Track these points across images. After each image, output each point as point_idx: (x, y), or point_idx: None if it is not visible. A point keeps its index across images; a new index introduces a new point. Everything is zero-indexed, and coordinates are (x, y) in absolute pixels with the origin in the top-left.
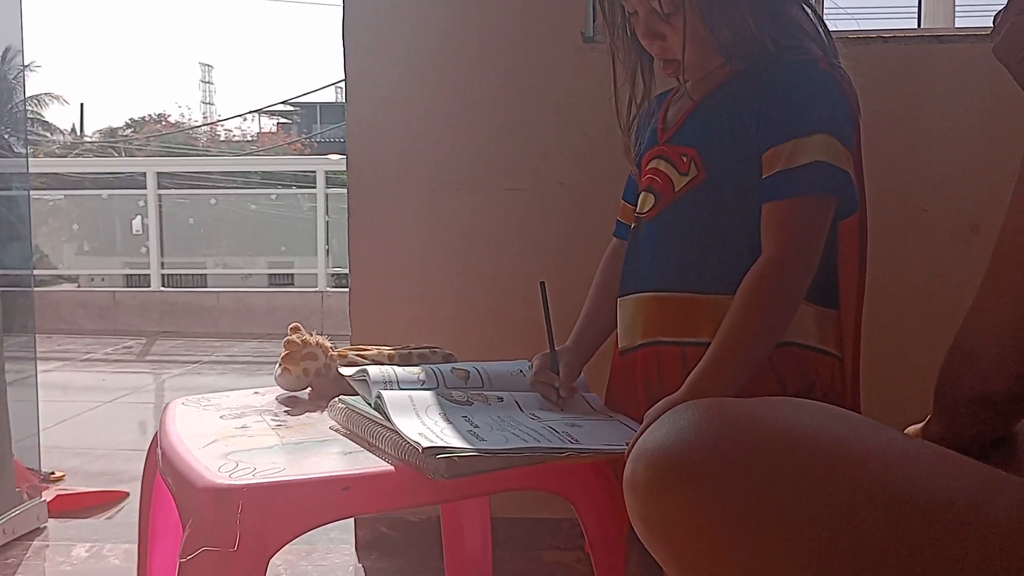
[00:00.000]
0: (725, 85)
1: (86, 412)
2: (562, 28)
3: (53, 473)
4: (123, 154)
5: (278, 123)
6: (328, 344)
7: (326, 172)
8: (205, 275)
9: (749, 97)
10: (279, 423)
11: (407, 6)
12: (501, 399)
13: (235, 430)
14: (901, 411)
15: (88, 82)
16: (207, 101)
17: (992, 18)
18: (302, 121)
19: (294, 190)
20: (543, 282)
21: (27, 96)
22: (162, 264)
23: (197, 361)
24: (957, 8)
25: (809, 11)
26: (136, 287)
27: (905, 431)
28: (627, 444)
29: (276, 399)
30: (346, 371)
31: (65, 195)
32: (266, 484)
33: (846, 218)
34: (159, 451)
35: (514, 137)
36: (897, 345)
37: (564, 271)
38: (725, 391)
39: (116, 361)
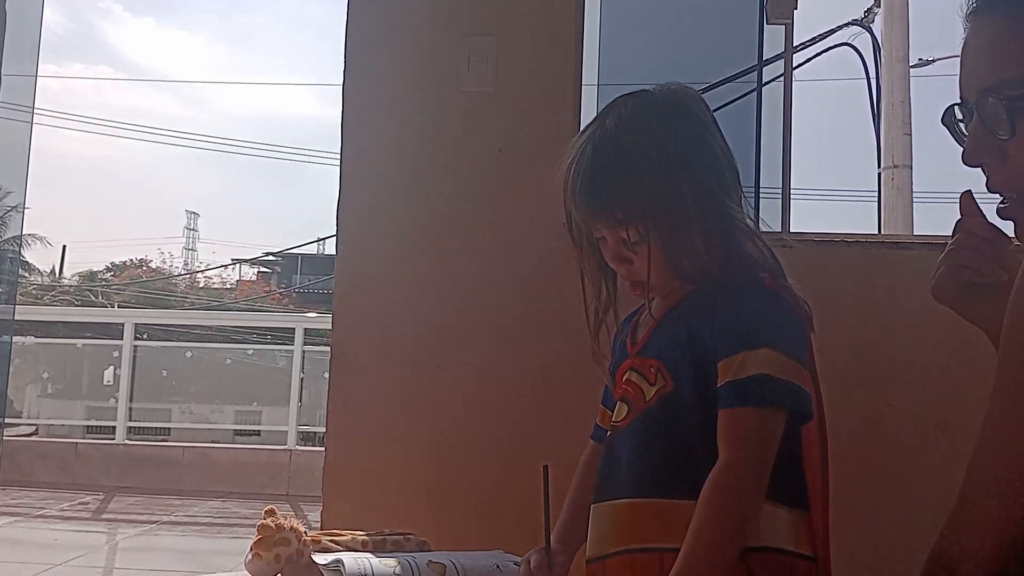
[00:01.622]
0: (682, 303)
1: None
2: (543, 215)
3: None
4: (100, 297)
5: (258, 272)
6: (302, 529)
7: (304, 328)
8: (169, 428)
9: (703, 314)
10: None
11: (402, 179)
12: None
13: None
14: None
15: (72, 224)
16: (190, 248)
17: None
18: (282, 271)
19: (270, 344)
20: (546, 466)
21: (13, 236)
22: (130, 414)
23: (155, 521)
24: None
25: (759, 241)
26: (100, 437)
27: None
28: None
29: None
30: (320, 559)
31: (36, 341)
32: None
33: (805, 423)
34: None
35: (497, 318)
36: (868, 545)
37: (543, 456)
38: None
39: (71, 519)
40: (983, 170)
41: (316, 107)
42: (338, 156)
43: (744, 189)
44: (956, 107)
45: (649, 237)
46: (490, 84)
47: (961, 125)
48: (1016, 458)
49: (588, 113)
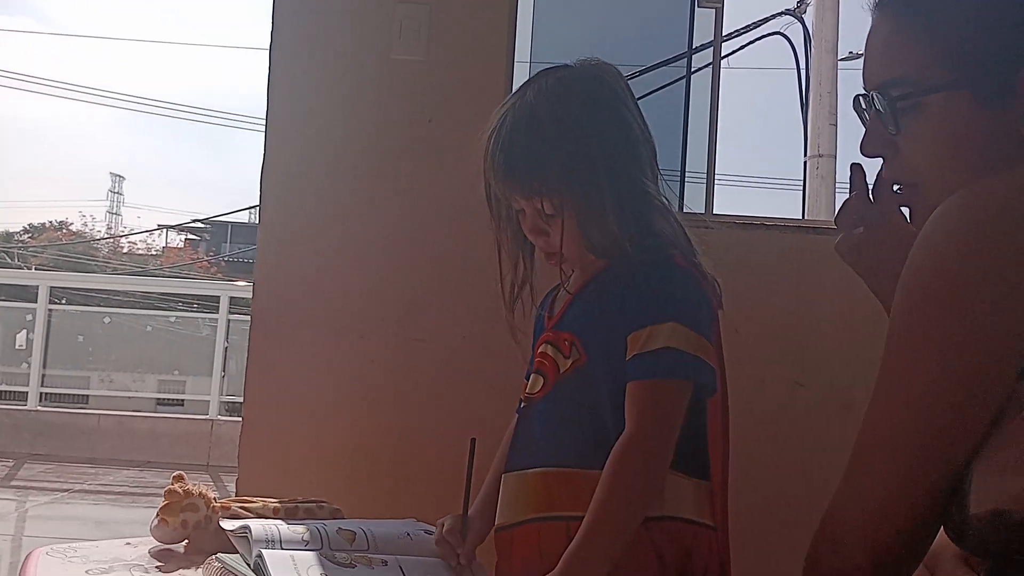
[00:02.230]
0: (596, 278)
1: None
2: (471, 186)
3: None
4: (16, 259)
5: (186, 239)
6: (212, 495)
7: (230, 297)
8: (87, 395)
9: (615, 289)
10: None
11: (327, 149)
12: (385, 563)
13: None
14: None
15: None
16: (114, 212)
17: (834, 216)
18: (211, 239)
19: (195, 312)
20: (474, 439)
21: None
22: (42, 380)
23: (67, 489)
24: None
25: (671, 218)
26: (11, 403)
27: None
28: None
29: (149, 552)
30: (227, 525)
31: None
32: None
33: (710, 396)
34: None
35: (421, 287)
36: (772, 518)
37: (466, 428)
38: (599, 567)
39: None
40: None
41: (251, 71)
42: None
43: (670, 172)
44: (860, 98)
45: (564, 210)
46: (421, 53)
47: (866, 115)
48: (893, 436)
49: None
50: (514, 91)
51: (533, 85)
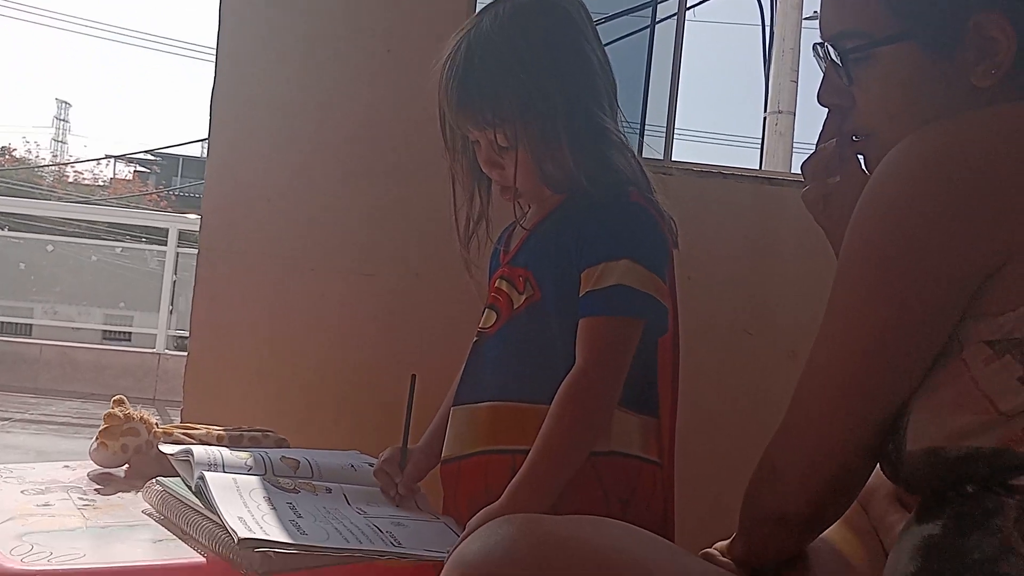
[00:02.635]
0: (552, 214)
1: None
2: (430, 118)
3: None
4: None
5: (135, 171)
6: (153, 420)
7: (179, 230)
8: (31, 324)
9: (571, 225)
10: (87, 503)
11: (280, 78)
12: (329, 491)
13: (36, 508)
14: (719, 522)
15: None
16: (59, 139)
17: (800, 165)
18: (161, 172)
19: (143, 244)
20: (415, 375)
21: None
22: None
23: (8, 419)
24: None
25: (629, 154)
26: None
27: (715, 546)
28: (448, 551)
29: (88, 475)
30: (168, 449)
31: None
32: (61, 572)
33: (661, 335)
34: None
35: (372, 221)
36: (717, 458)
37: (416, 364)
38: (543, 499)
39: None
40: (837, 110)
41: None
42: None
43: (630, 125)
44: (817, 46)
45: (518, 143)
46: None
47: (823, 63)
48: (834, 375)
49: None
50: (471, 17)
51: (490, 11)
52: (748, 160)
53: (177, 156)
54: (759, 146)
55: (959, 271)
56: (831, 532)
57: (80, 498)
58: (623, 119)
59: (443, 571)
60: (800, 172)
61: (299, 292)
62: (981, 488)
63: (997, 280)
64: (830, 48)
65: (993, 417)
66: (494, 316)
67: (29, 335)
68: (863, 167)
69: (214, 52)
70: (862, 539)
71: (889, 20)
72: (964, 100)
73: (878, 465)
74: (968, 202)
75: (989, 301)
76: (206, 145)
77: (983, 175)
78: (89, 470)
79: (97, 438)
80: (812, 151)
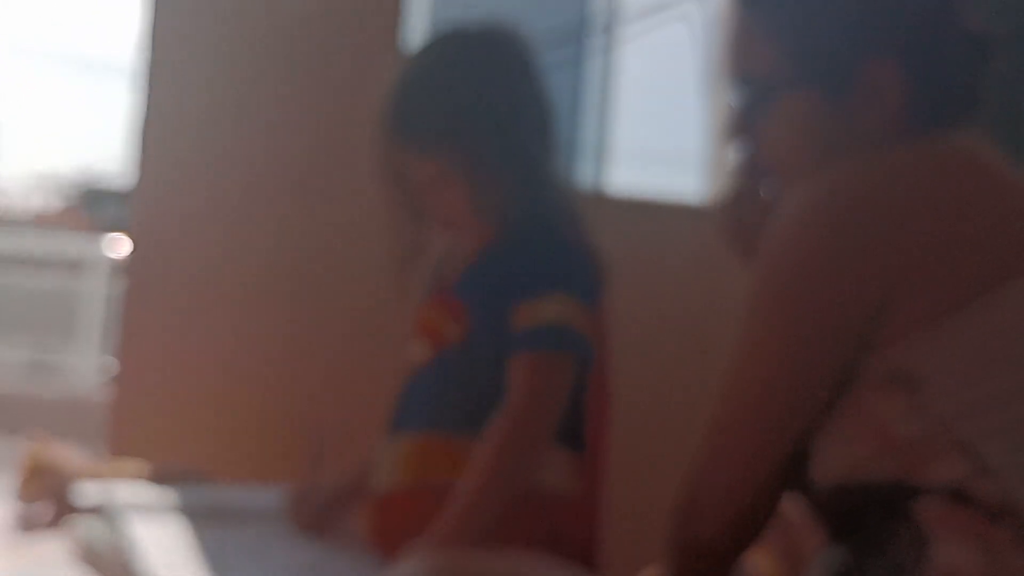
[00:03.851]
0: (487, 248)
1: None
2: (364, 154)
3: None
4: None
5: (64, 196)
6: (77, 459)
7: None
8: None
9: (503, 259)
10: (9, 545)
11: (210, 103)
12: (256, 530)
13: None
14: (650, 553)
15: None
16: None
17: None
18: (89, 197)
19: (71, 274)
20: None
21: None
22: None
23: None
24: None
25: (564, 187)
26: None
27: (643, 574)
28: None
29: (11, 516)
30: (91, 488)
31: None
32: None
33: (590, 370)
34: None
35: (308, 247)
36: (650, 487)
37: (350, 394)
38: (469, 534)
39: None
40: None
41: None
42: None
43: (563, 143)
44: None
45: (453, 176)
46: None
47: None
48: (741, 409)
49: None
50: (414, 49)
51: (430, 44)
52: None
53: (105, 181)
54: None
55: (845, 307)
56: (757, 557)
57: (2, 539)
58: (560, 152)
59: None
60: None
61: (227, 325)
62: (880, 515)
63: (885, 315)
64: (730, 86)
65: (888, 447)
66: (425, 347)
67: None
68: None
69: (136, 75)
70: (787, 564)
71: (784, 67)
72: (857, 142)
73: None
74: (849, 243)
75: (880, 335)
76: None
77: (863, 219)
78: (11, 510)
79: (20, 477)
80: (724, 195)
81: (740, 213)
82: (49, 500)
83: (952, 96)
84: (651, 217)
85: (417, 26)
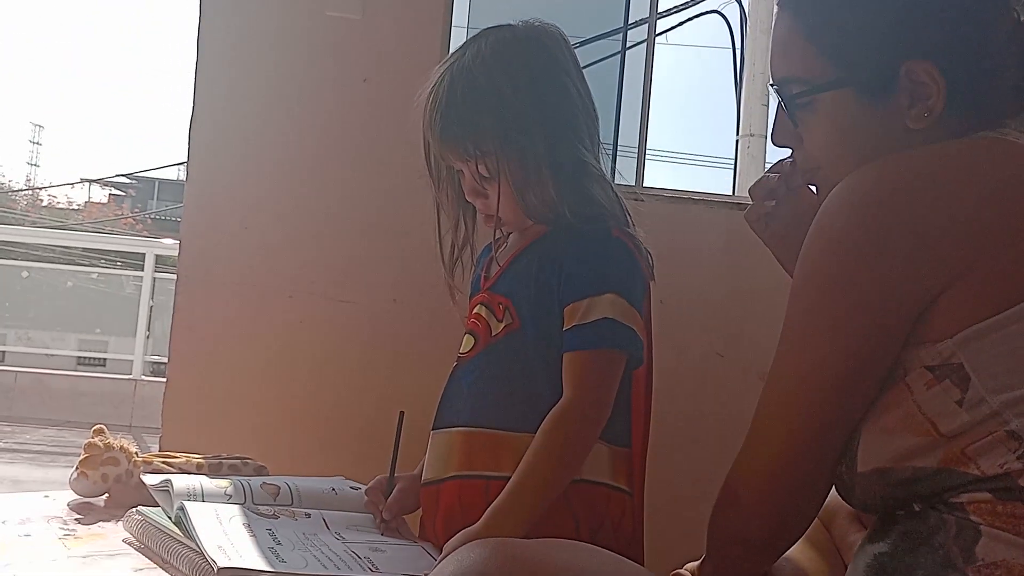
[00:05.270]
0: (534, 244)
1: None
2: (406, 147)
3: None
4: None
5: (110, 194)
6: (133, 449)
7: (156, 255)
8: (4, 351)
9: (552, 257)
10: (67, 532)
11: (258, 105)
12: (309, 515)
13: (17, 538)
14: (690, 545)
15: None
16: (32, 163)
17: (748, 188)
18: (137, 195)
19: (119, 269)
20: (403, 412)
21: None
22: None
23: None
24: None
25: (608, 187)
26: None
27: (685, 567)
28: (424, 575)
29: (68, 505)
30: (149, 479)
31: None
32: None
33: (637, 367)
34: None
35: (351, 248)
36: (688, 481)
37: (396, 390)
38: (520, 525)
39: None
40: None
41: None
42: None
43: (603, 143)
44: (770, 87)
45: (500, 174)
46: (357, 11)
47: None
48: (788, 403)
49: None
50: (455, 50)
51: (473, 44)
52: (723, 179)
53: (153, 179)
54: (732, 167)
55: (895, 301)
56: (796, 551)
57: (61, 527)
58: (604, 151)
59: None
60: (748, 194)
61: (277, 319)
62: (926, 507)
63: (935, 309)
64: (777, 92)
65: (935, 439)
66: (472, 342)
67: (2, 362)
68: (814, 194)
69: (193, 76)
70: (826, 558)
71: (827, 68)
72: (900, 141)
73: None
74: (899, 237)
75: (929, 329)
76: (184, 170)
77: (911, 213)
78: (69, 500)
79: (77, 468)
80: (760, 176)
81: (768, 200)
82: (107, 490)
83: (995, 93)
84: (684, 212)
85: (459, 27)
